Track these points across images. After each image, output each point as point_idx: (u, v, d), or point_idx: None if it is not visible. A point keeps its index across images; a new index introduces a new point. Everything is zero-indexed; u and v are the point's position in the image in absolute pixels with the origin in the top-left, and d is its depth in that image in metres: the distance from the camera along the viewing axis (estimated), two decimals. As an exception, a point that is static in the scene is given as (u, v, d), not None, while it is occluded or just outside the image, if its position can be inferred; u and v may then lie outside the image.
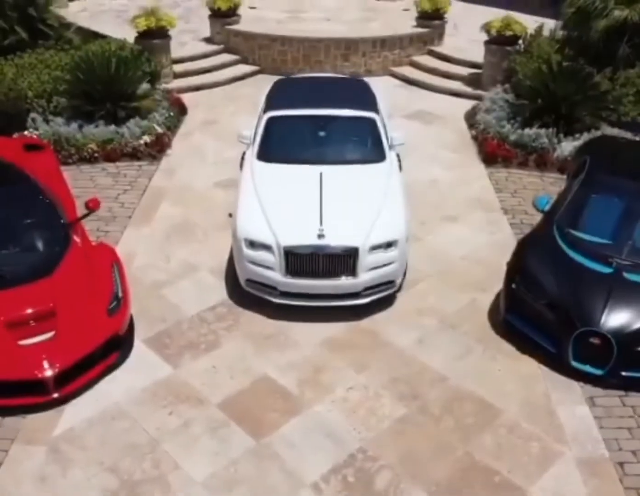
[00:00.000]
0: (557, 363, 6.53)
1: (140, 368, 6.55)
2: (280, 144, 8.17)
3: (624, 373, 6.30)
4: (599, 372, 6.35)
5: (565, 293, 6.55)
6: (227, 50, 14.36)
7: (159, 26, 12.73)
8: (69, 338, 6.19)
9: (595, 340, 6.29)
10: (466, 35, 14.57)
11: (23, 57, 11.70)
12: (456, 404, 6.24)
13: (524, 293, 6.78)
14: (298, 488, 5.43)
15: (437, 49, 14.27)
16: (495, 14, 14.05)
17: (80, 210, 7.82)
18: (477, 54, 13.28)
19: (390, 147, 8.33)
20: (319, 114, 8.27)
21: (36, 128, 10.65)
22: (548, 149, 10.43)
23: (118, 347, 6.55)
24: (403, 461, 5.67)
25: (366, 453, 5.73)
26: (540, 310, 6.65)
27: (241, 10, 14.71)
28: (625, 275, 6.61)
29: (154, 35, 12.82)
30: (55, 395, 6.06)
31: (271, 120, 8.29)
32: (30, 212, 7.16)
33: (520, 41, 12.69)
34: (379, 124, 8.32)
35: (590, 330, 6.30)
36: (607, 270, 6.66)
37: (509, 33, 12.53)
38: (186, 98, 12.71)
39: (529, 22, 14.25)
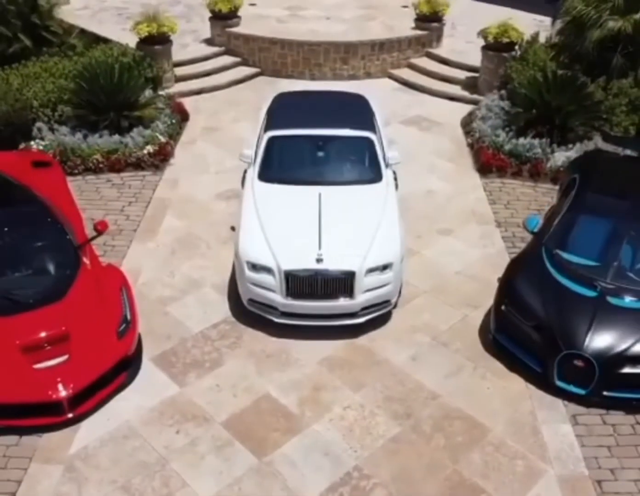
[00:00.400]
0: (543, 383, 6.94)
1: (148, 387, 6.96)
2: (281, 164, 8.53)
3: (605, 393, 6.72)
4: (582, 392, 6.76)
5: (551, 316, 6.94)
6: (228, 52, 14.63)
7: (160, 32, 12.99)
8: (82, 361, 6.60)
9: (578, 362, 6.70)
10: (465, 36, 14.78)
11: (28, 66, 12.02)
12: (447, 422, 6.66)
13: (512, 314, 7.18)
14: (298, 506, 5.88)
15: (435, 51, 14.54)
16: (496, 12, 14.35)
17: (89, 228, 8.23)
18: (475, 56, 13.56)
19: (387, 165, 8.68)
20: (317, 134, 8.60)
21: (42, 138, 10.99)
22: (541, 159, 10.77)
23: (127, 367, 6.96)
24: (396, 480, 6.10)
25: (361, 471, 6.16)
26: (528, 332, 7.05)
27: (242, 8, 14.91)
28: (609, 299, 7.00)
29: (156, 41, 13.10)
30: (70, 415, 6.48)
31: (272, 140, 8.63)
32: (41, 235, 7.53)
33: (516, 47, 12.94)
34: (376, 144, 8.66)
35: (574, 353, 6.71)
36: (591, 293, 7.05)
37: (505, 40, 12.78)
38: (187, 102, 13.00)
39: (530, 21, 14.56)
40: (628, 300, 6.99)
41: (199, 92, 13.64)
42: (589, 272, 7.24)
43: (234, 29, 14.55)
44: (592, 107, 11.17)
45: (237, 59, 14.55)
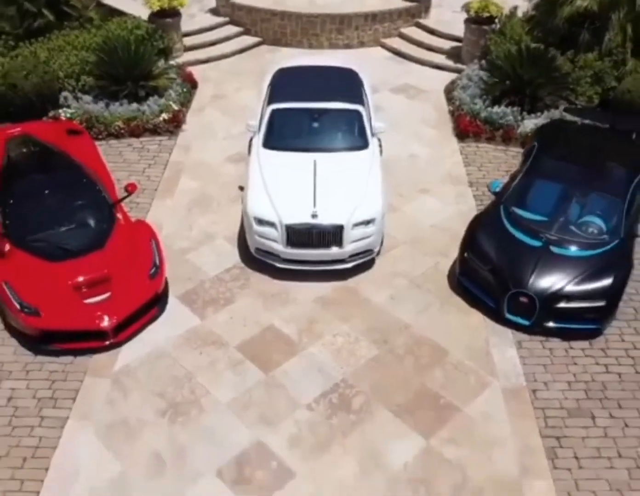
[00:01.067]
0: (496, 316, 8.63)
1: (175, 319, 8.66)
2: (282, 134, 10.05)
3: (544, 324, 8.41)
4: (526, 323, 8.46)
5: (504, 261, 8.60)
6: (232, 22, 15.92)
7: (171, 6, 14.32)
8: (121, 297, 8.27)
9: (523, 299, 8.37)
10: (452, 6, 16.00)
11: (52, 40, 13.44)
12: (416, 347, 8.37)
13: (473, 261, 8.83)
14: (296, 408, 7.61)
15: (424, 21, 15.82)
16: None
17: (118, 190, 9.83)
18: (460, 27, 14.83)
19: (373, 134, 10.22)
20: (313, 107, 10.12)
21: (68, 106, 12.47)
22: (513, 126, 12.27)
23: (157, 303, 8.65)
24: (374, 389, 7.83)
25: (347, 383, 7.90)
26: (485, 275, 8.72)
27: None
28: (552, 248, 8.63)
29: (167, 14, 14.43)
30: (114, 341, 8.18)
31: (274, 112, 10.16)
32: (82, 195, 9.15)
33: (496, 21, 14.29)
34: (364, 115, 10.19)
35: (520, 291, 8.37)
36: (537, 243, 8.68)
37: (486, 14, 14.12)
38: (195, 71, 14.37)
39: None
40: (567, 249, 8.62)
41: (205, 61, 15.00)
42: (537, 226, 8.86)
43: (238, 1, 15.82)
44: (560, 78, 12.61)
45: (240, 29, 15.84)
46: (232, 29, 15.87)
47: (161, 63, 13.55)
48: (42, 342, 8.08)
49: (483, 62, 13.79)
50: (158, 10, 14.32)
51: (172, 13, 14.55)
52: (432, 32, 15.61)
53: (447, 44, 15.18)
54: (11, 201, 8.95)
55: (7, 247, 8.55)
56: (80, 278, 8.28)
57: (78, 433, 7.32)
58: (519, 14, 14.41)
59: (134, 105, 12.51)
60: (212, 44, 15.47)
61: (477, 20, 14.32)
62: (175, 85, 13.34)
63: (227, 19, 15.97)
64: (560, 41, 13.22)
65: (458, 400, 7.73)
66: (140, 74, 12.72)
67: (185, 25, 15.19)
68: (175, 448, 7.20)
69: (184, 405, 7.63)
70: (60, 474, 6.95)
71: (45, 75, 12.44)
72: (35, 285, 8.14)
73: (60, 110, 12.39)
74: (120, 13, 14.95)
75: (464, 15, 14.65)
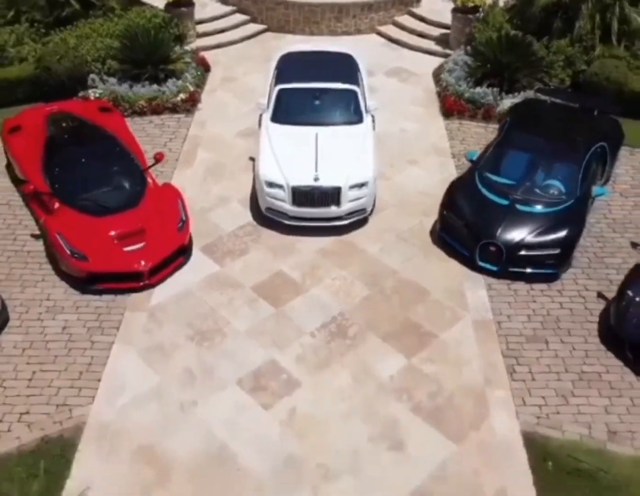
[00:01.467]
0: (470, 263, 10.26)
1: (199, 266, 10.30)
2: (287, 110, 11.64)
3: (510, 269, 10.05)
4: (494, 268, 10.10)
5: (476, 218, 10.23)
6: (240, 11, 17.46)
7: (186, -1, 15.92)
8: (154, 247, 9.91)
9: (492, 248, 10.00)
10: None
11: (79, 27, 15.03)
12: (402, 288, 10.02)
13: (451, 218, 10.47)
14: (301, 335, 9.27)
15: (416, 10, 17.37)
16: None
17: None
18: (448, 16, 16.39)
19: (367, 111, 11.82)
20: (315, 87, 11.72)
21: (96, 87, 14.07)
22: (492, 105, 13.85)
23: (184, 252, 10.28)
24: (366, 321, 9.48)
25: (343, 316, 9.55)
26: (460, 229, 10.35)
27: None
28: (517, 206, 10.26)
29: (181, 4, 16.00)
30: (148, 282, 9.82)
31: (281, 92, 11.76)
32: (117, 162, 10.78)
33: (480, 10, 15.83)
34: (359, 95, 11.80)
35: (490, 242, 10.00)
36: (505, 202, 10.31)
37: (471, 4, 15.68)
38: (208, 56, 15.93)
39: None
40: (530, 207, 10.24)
41: (216, 46, 16.57)
42: (506, 188, 10.49)
43: (245, -9, 17.40)
44: (535, 62, 14.19)
45: (247, 17, 17.39)
46: (240, 17, 17.42)
47: (177, 48, 15.12)
48: (89, 283, 9.72)
49: (468, 47, 15.34)
50: (174, 0, 15.90)
51: (186, 3, 16.15)
52: (423, 20, 17.16)
53: (437, 31, 16.74)
54: (57, 167, 10.57)
55: (57, 205, 10.18)
56: (119, 231, 9.91)
57: (122, 354, 8.98)
58: (501, 3, 16.01)
59: (155, 87, 14.10)
60: (222, 31, 17.03)
61: (463, 10, 15.89)
62: (191, 68, 14.92)
63: (235, 8, 17.52)
64: (537, 29, 14.81)
65: (436, 329, 9.39)
66: (159, 59, 14.31)
67: (198, 13, 16.73)
68: (202, 365, 8.86)
69: (209, 332, 9.30)
70: (110, 384, 8.61)
71: (75, 60, 14.03)
72: (83, 236, 9.78)
73: (89, 91, 13.99)
74: (139, 3, 16.49)
75: (452, 5, 16.22)
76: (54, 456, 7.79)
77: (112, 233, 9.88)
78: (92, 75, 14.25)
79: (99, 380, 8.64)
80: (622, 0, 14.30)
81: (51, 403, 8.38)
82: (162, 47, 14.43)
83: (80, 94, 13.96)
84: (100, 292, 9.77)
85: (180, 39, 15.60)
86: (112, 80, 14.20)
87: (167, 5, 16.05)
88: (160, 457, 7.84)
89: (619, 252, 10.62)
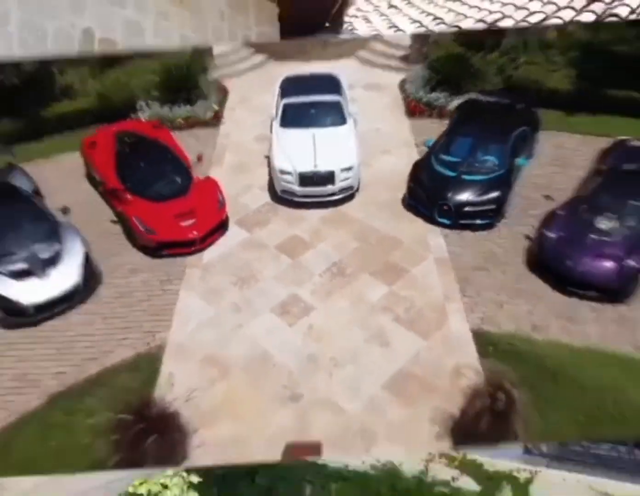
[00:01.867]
0: (430, 220, 12.00)
1: (234, 234, 12.03)
2: (291, 117, 13.35)
3: (459, 221, 11.79)
4: (448, 222, 11.83)
5: (433, 186, 11.97)
6: (247, 44, 19.14)
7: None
8: (202, 221, 11.64)
9: (446, 207, 11.74)
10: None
11: (126, 68, 16.66)
12: (383, 241, 11.75)
13: (415, 187, 12.21)
14: (312, 276, 11.00)
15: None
16: None
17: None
18: (408, 39, 18.09)
19: (349, 115, 13.53)
20: (310, 100, 13.44)
21: (143, 111, 15.74)
22: (444, 105, 15.53)
23: (223, 225, 12.02)
24: (358, 264, 11.22)
25: (341, 262, 11.29)
26: (422, 196, 12.09)
27: None
28: (463, 176, 12.00)
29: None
30: (199, 247, 11.55)
31: (286, 105, 13.47)
32: (171, 162, 12.51)
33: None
34: (343, 104, 13.52)
35: (444, 202, 11.74)
36: (453, 174, 12.05)
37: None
38: (226, 82, 17.64)
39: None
40: (472, 176, 11.98)
41: (232, 74, 18.21)
42: (454, 164, 12.23)
43: (250, 31, 19.02)
44: (474, 72, 15.89)
45: (253, 49, 19.05)
46: (247, 51, 19.08)
47: (203, 77, 16.79)
48: (157, 250, 11.46)
49: (425, 63, 17.04)
50: (197, 41, 17.54)
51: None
52: (391, 44, 18.83)
53: (400, 53, 18.40)
54: (127, 170, 12.30)
55: (129, 197, 11.91)
56: (177, 211, 11.65)
57: (187, 296, 10.73)
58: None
59: (189, 107, 15.77)
60: (233, 63, 18.69)
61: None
62: (214, 92, 16.59)
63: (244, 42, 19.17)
64: (477, 47, 16.49)
65: (408, 266, 11.14)
66: (190, 86, 15.98)
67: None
68: (244, 299, 10.61)
69: (246, 278, 11.04)
70: (180, 316, 10.36)
71: (127, 92, 15.71)
72: (151, 216, 11.52)
73: (139, 114, 15.67)
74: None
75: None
76: (147, 364, 9.54)
77: (172, 213, 11.61)
78: (140, 102, 15.92)
79: (172, 314, 10.39)
80: (538, 21, 15.98)
81: (140, 331, 10.14)
82: (192, 77, 16.10)
83: (133, 116, 15.63)
84: (166, 256, 11.51)
85: (205, 69, 17.26)
86: (156, 104, 15.88)
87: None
88: (219, 361, 9.61)
89: (539, 205, 12.33)
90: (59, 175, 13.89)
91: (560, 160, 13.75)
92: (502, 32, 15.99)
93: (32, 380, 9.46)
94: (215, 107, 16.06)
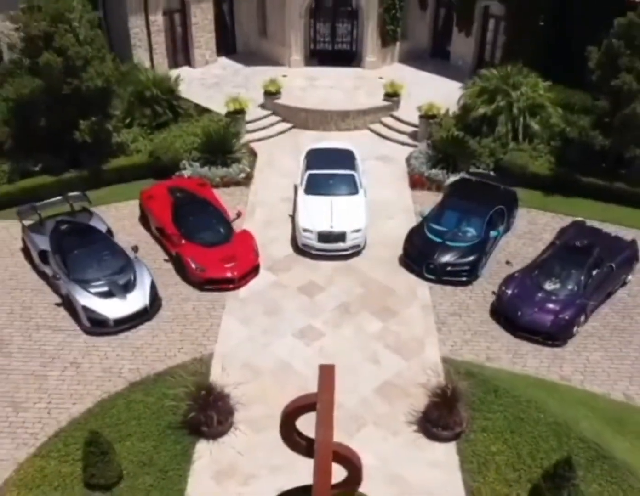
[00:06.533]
0: (419, 275, 18.19)
1: (265, 277, 18.23)
2: (314, 186, 19.72)
3: (442, 278, 17.98)
4: (433, 278, 18.02)
5: (423, 248, 18.19)
6: (274, 113, 25.79)
7: (240, 108, 24.21)
8: (241, 265, 17.86)
9: (432, 265, 17.96)
10: (415, 103, 25.74)
11: (172, 130, 23.26)
12: (381, 289, 17.89)
13: (409, 249, 18.49)
14: (324, 312, 17.08)
15: (396, 114, 25.70)
16: (437, 81, 25.75)
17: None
18: (417, 119, 24.65)
19: (361, 186, 19.93)
20: (329, 172, 19.89)
21: (186, 169, 22.20)
22: (442, 181, 21.96)
23: (257, 269, 18.23)
24: (360, 305, 17.33)
25: (348, 303, 17.40)
26: (415, 255, 18.31)
27: (278, 77, 26.11)
28: (447, 242, 18.26)
29: (237, 112, 24.30)
30: (237, 285, 17.72)
31: (310, 175, 19.90)
32: (215, 216, 18.83)
33: (437, 117, 24.10)
34: (356, 177, 19.94)
35: (431, 262, 17.96)
36: (440, 240, 18.32)
37: (431, 113, 23.98)
38: (255, 146, 24.20)
39: (455, 87, 25.71)
40: (454, 242, 18.24)
41: (260, 139, 24.82)
42: (441, 232, 18.48)
43: (278, 101, 25.75)
44: (470, 153, 22.38)
45: (280, 118, 25.72)
46: (274, 118, 25.75)
47: (236, 142, 23.32)
48: (204, 285, 17.63)
49: (428, 142, 23.58)
50: (232, 110, 24.23)
51: (240, 111, 24.43)
52: (400, 121, 25.48)
53: (409, 129, 25.01)
54: (182, 219, 18.60)
55: (184, 241, 18.17)
56: (221, 255, 17.88)
57: (228, 320, 16.82)
58: (450, 113, 24.32)
59: (225, 169, 22.23)
60: (263, 128, 25.33)
61: (426, 116, 24.18)
62: (245, 156, 23.09)
63: (271, 111, 25.86)
64: (472, 130, 23.07)
65: (399, 309, 17.25)
66: (226, 150, 22.49)
67: (247, 116, 25.01)
68: (272, 325, 16.69)
69: (273, 310, 17.16)
70: (224, 334, 16.41)
71: (173, 152, 22.21)
72: (201, 258, 17.74)
73: (182, 172, 22.12)
74: (208, 111, 24.82)
75: (419, 112, 24.52)
76: (201, 366, 15.53)
77: (218, 257, 17.83)
78: (183, 161, 22.39)
79: (218, 333, 16.47)
80: (525, 114, 22.60)
81: (194, 343, 16.17)
82: (227, 142, 22.64)
83: (177, 174, 22.08)
84: (212, 291, 17.68)
85: (238, 135, 23.82)
86: (196, 164, 22.34)
87: (228, 112, 24.35)
88: (253, 367, 15.58)
89: (507, 269, 18.48)
90: (118, 219, 20.32)
91: (531, 233, 20.12)
92: (496, 119, 22.63)
93: (115, 372, 15.45)
94: (247, 169, 22.55)
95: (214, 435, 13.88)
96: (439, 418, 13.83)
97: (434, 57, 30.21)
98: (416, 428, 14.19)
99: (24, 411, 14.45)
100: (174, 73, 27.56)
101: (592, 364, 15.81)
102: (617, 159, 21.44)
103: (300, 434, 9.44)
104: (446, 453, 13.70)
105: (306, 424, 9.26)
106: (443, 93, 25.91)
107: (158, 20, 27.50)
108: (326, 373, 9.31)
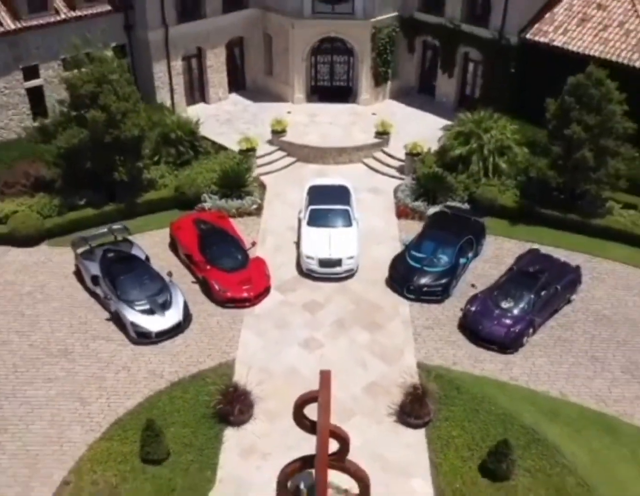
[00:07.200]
0: (401, 294, 22.61)
1: (274, 296, 22.65)
2: (315, 219, 24.13)
3: (420, 297, 22.41)
4: (412, 297, 22.45)
5: (405, 272, 22.63)
6: (280, 149, 30.21)
7: (251, 146, 28.63)
8: (255, 287, 22.30)
9: (411, 287, 22.39)
10: (403, 140, 30.09)
11: (194, 167, 27.69)
12: (370, 306, 22.30)
13: (393, 272, 22.93)
14: (324, 326, 21.51)
15: (386, 149, 30.10)
16: (425, 117, 30.14)
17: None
18: (403, 155, 29.04)
19: (354, 218, 24.36)
20: (328, 207, 24.31)
21: (206, 202, 26.59)
22: (424, 211, 26.36)
23: (268, 290, 22.67)
24: (352, 320, 21.74)
25: (343, 319, 21.81)
26: (398, 278, 22.75)
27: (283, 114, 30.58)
28: (424, 267, 22.68)
29: (248, 150, 28.70)
30: (253, 303, 22.15)
31: (312, 210, 24.33)
32: (233, 244, 23.27)
33: (421, 154, 28.48)
34: (351, 211, 24.39)
35: (410, 284, 22.39)
36: (419, 266, 22.74)
37: (415, 151, 28.38)
38: (264, 179, 28.62)
39: (440, 123, 30.14)
40: (430, 268, 22.66)
41: (268, 172, 29.23)
42: (420, 259, 22.90)
43: (284, 138, 30.16)
44: (448, 188, 26.76)
45: (285, 153, 30.12)
46: (280, 153, 30.16)
47: (248, 177, 27.70)
48: (225, 303, 22.05)
49: (413, 176, 27.98)
50: (244, 148, 28.65)
51: (251, 149, 28.84)
52: (390, 156, 29.89)
53: (397, 164, 29.42)
54: (207, 248, 23.03)
55: (209, 267, 22.60)
56: (240, 278, 22.31)
57: (246, 333, 21.22)
58: (433, 149, 28.73)
59: (239, 201, 26.64)
60: (270, 162, 29.74)
61: (411, 153, 28.58)
62: (256, 189, 27.50)
63: (277, 147, 30.28)
64: (449, 167, 27.47)
65: (384, 323, 21.65)
66: (240, 184, 26.90)
67: (256, 152, 29.41)
68: (281, 338, 21.09)
69: (282, 324, 21.55)
70: (243, 344, 20.83)
71: (196, 186, 26.61)
72: (223, 281, 22.17)
73: (203, 204, 26.52)
74: (224, 148, 29.23)
75: (405, 150, 28.92)
76: (226, 369, 19.91)
77: (237, 280, 22.25)
78: (204, 195, 26.78)
79: (238, 343, 20.88)
80: (494, 154, 27.00)
81: (219, 351, 20.59)
82: (241, 177, 27.04)
83: (199, 205, 26.47)
84: (231, 307, 22.10)
85: (249, 170, 28.19)
86: (215, 197, 26.73)
87: (240, 150, 28.74)
88: (267, 370, 19.95)
89: (472, 290, 22.81)
90: (151, 245, 24.72)
91: (496, 258, 24.54)
92: (470, 158, 27.06)
93: (158, 374, 19.86)
94: (258, 200, 26.97)
95: (238, 423, 18.26)
96: (412, 410, 18.22)
97: (421, 93, 34.63)
98: (394, 418, 18.58)
99: (89, 405, 18.84)
100: (191, 110, 32.17)
101: (536, 368, 20.23)
102: (572, 193, 25.84)
103: (306, 418, 13.81)
104: (417, 437, 18.09)
105: (310, 412, 13.59)
106: (428, 126, 30.51)
107: (178, 65, 31.88)
108: (325, 376, 13.65)
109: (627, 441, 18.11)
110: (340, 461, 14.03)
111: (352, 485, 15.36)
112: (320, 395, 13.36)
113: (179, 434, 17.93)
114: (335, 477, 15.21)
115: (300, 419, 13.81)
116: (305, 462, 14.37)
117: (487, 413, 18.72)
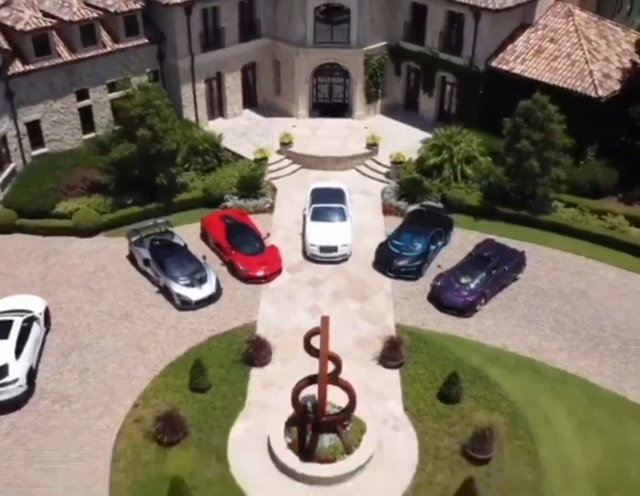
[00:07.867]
0: (385, 274, 29.44)
1: (285, 276, 29.48)
2: (317, 215, 30.98)
3: (399, 276, 29.25)
4: (393, 275, 29.29)
5: (387, 257, 29.52)
6: (287, 157, 37.02)
7: (265, 156, 35.49)
8: (271, 268, 29.17)
9: (392, 268, 29.23)
10: (390, 150, 36.89)
11: (218, 173, 34.54)
12: (360, 283, 29.12)
13: (378, 257, 29.81)
14: (324, 296, 28.34)
15: (375, 158, 36.92)
16: (410, 131, 37.06)
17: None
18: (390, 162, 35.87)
19: (348, 214, 31.23)
20: (328, 206, 31.19)
21: (228, 201, 33.41)
22: (404, 209, 33.15)
23: (281, 270, 29.53)
24: (347, 294, 28.57)
25: (339, 291, 28.67)
26: (381, 261, 29.60)
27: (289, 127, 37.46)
28: (402, 253, 29.53)
29: (262, 159, 35.54)
30: (268, 280, 29.00)
31: (314, 208, 31.20)
32: (253, 235, 30.16)
33: (403, 162, 35.30)
34: (345, 209, 31.27)
35: (391, 265, 29.24)
36: (397, 251, 29.58)
37: (399, 160, 35.23)
38: (274, 183, 35.45)
39: (422, 135, 37.06)
40: (408, 252, 29.51)
41: (277, 177, 36.04)
42: (399, 246, 29.78)
43: (290, 149, 36.99)
44: (425, 190, 33.56)
45: (291, 161, 36.94)
46: (288, 161, 36.99)
47: (262, 181, 34.49)
48: (247, 280, 28.89)
49: (397, 180, 34.80)
50: (259, 157, 35.51)
51: (264, 158, 35.69)
52: (379, 164, 36.73)
53: (384, 170, 36.25)
54: (232, 237, 29.88)
55: (234, 252, 29.47)
56: (259, 260, 29.18)
57: (264, 303, 28.05)
58: (414, 159, 35.59)
59: (255, 201, 33.47)
60: (279, 168, 36.57)
61: (395, 162, 35.43)
62: (268, 191, 34.33)
63: (285, 156, 37.13)
64: (427, 173, 34.31)
65: (371, 296, 28.46)
66: (256, 187, 33.73)
67: (268, 160, 36.20)
68: (291, 305, 27.90)
69: (292, 296, 28.35)
70: (262, 313, 27.62)
71: (220, 188, 33.44)
72: (246, 262, 29.02)
73: (226, 203, 33.34)
74: (241, 157, 36.08)
75: (390, 159, 35.76)
76: (249, 329, 26.70)
77: (256, 262, 29.11)
78: (226, 196, 33.60)
79: (258, 309, 27.71)
80: (462, 163, 33.84)
81: (244, 315, 27.38)
82: (256, 182, 33.87)
83: (222, 204, 33.27)
84: (251, 283, 28.94)
85: (263, 176, 34.98)
86: (235, 197, 33.53)
87: (255, 159, 35.58)
88: (281, 329, 26.74)
89: (438, 270, 29.57)
90: (186, 236, 31.52)
91: (461, 246, 31.41)
92: (442, 166, 33.96)
93: (198, 332, 26.77)
94: (271, 201, 33.82)
95: (261, 365, 25.05)
96: (389, 355, 25.07)
97: (406, 109, 41.46)
98: (377, 361, 25.39)
99: (148, 353, 25.64)
100: (211, 124, 39.04)
101: (485, 327, 27.07)
102: (524, 195, 32.71)
103: (313, 347, 20.65)
104: (393, 374, 24.90)
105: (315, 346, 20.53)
106: (412, 138, 37.32)
107: (201, 86, 38.72)
108: (324, 320, 20.44)
109: (549, 379, 24.91)
110: (335, 378, 20.79)
111: (344, 405, 22.15)
112: (321, 332, 20.14)
113: (217, 372, 24.68)
114: (332, 398, 21.99)
115: (309, 347, 20.59)
116: (311, 379, 21.11)
117: (446, 359, 25.52)
